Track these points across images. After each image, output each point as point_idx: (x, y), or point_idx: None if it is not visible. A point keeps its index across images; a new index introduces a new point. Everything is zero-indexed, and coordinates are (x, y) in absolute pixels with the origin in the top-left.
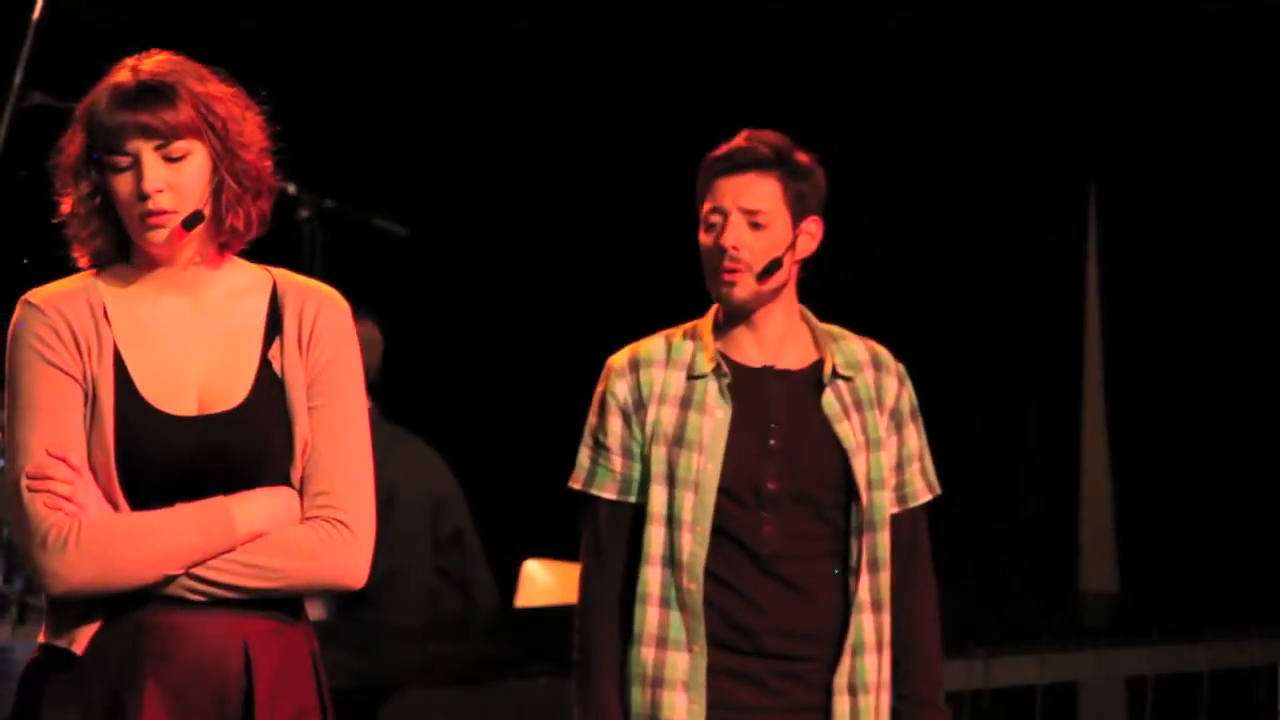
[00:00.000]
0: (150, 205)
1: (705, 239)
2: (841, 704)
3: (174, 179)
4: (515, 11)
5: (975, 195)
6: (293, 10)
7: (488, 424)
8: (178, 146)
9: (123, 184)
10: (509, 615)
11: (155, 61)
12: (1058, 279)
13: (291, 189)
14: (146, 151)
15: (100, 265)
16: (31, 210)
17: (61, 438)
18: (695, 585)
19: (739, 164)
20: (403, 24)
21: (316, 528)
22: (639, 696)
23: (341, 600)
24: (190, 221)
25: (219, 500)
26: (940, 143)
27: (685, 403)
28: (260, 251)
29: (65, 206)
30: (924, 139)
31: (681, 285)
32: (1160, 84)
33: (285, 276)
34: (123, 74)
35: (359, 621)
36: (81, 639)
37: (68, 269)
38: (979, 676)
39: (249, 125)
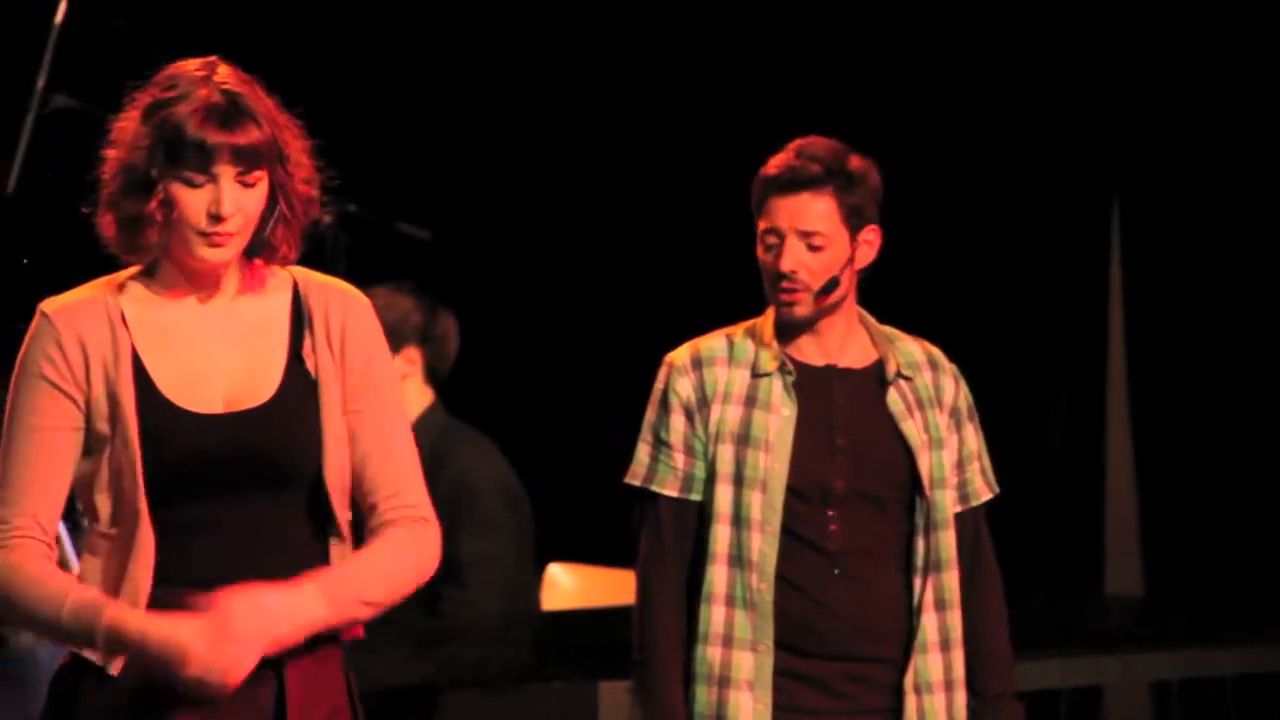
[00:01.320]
0: (220, 227)
1: (764, 257)
2: (910, 704)
3: (244, 202)
4: (537, 7)
5: (999, 206)
6: (311, 11)
7: (507, 428)
8: (254, 174)
9: (194, 199)
10: (529, 618)
11: (228, 76)
12: (1082, 288)
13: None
14: (228, 175)
15: (150, 268)
16: (58, 212)
17: (38, 463)
18: (765, 585)
19: (792, 183)
20: (423, 23)
21: (412, 531)
22: (704, 696)
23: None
24: (253, 250)
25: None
26: (964, 154)
27: (750, 401)
28: None
29: (131, 209)
30: (947, 150)
31: (705, 288)
32: (1183, 93)
33: (304, 274)
34: (202, 88)
35: (444, 606)
36: (116, 660)
37: (98, 267)
38: None
39: (302, 152)
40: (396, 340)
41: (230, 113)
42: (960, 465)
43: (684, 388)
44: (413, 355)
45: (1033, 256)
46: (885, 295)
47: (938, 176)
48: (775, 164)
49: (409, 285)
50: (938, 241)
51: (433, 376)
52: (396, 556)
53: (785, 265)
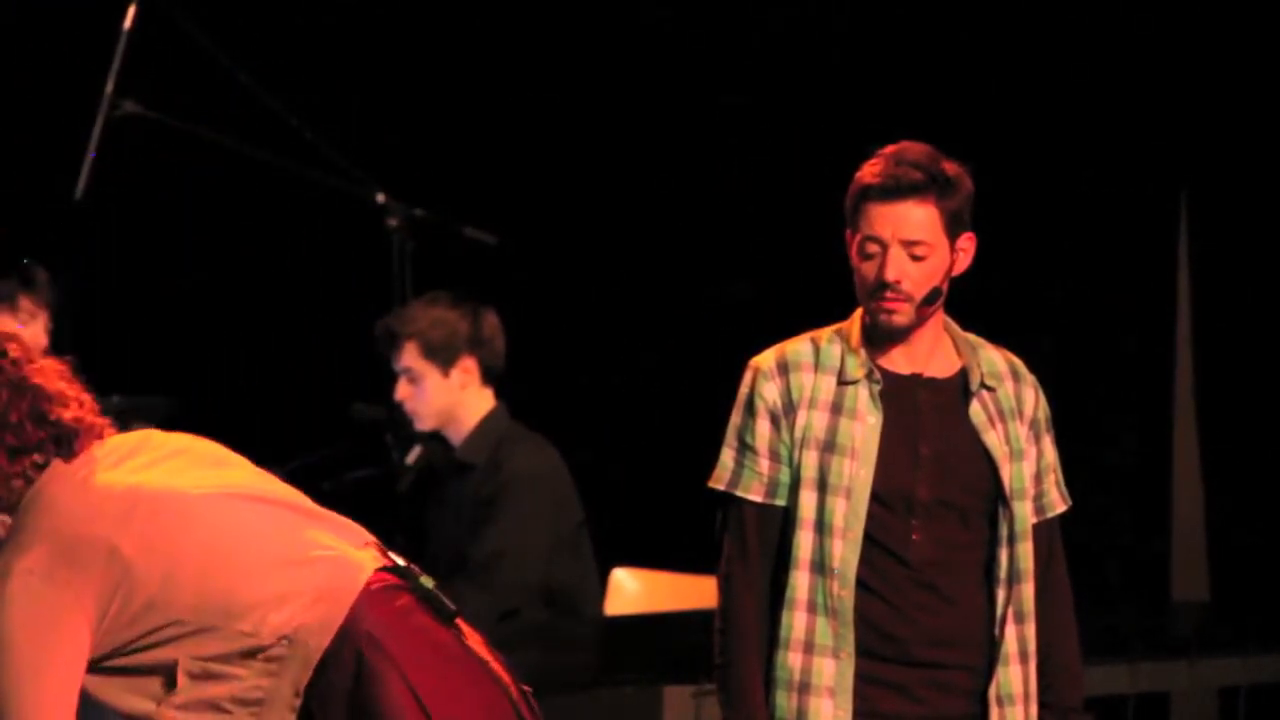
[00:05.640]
0: None
1: (863, 267)
2: (994, 715)
3: None
4: (586, 16)
5: (1065, 206)
6: (381, 19)
7: (572, 433)
8: None
9: None
10: (597, 623)
11: None
12: (1149, 288)
13: (380, 198)
14: None
15: None
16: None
17: None
18: (847, 592)
19: (894, 191)
20: (489, 30)
21: None
22: (784, 701)
23: (445, 572)
24: None
25: None
26: (1030, 152)
27: (836, 408)
28: (350, 262)
29: None
30: (1013, 149)
31: (784, 293)
32: (1252, 90)
33: None
34: None
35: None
36: None
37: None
38: None
39: None
40: (451, 354)
41: None
42: (1038, 477)
43: (770, 392)
44: (469, 365)
45: (1098, 262)
46: (953, 303)
47: (999, 181)
48: (873, 171)
49: (445, 294)
50: (999, 248)
51: (489, 376)
52: None
53: (890, 275)
